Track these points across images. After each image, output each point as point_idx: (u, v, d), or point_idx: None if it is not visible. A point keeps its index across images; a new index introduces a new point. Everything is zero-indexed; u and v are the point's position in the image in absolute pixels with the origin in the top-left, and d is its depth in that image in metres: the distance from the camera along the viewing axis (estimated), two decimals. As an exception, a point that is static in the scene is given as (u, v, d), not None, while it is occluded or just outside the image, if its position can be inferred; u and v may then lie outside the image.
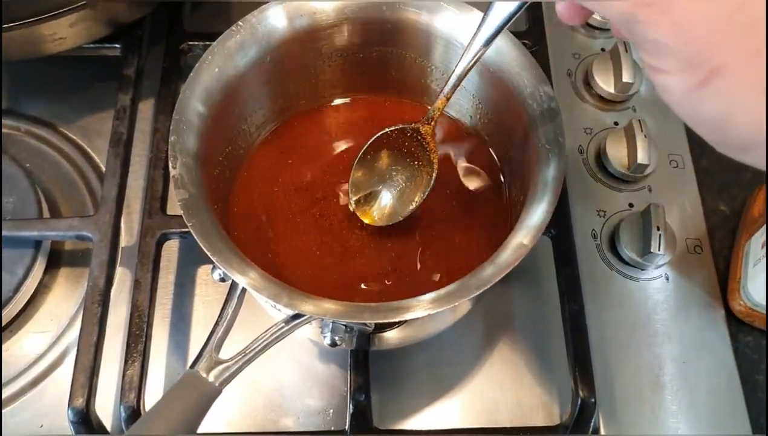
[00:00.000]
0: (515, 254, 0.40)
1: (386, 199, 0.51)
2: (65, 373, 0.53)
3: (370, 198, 0.51)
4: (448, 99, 0.47)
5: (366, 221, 0.50)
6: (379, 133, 0.49)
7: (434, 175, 0.49)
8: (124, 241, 0.58)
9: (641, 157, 0.57)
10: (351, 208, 0.50)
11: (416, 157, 0.50)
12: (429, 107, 0.48)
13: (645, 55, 0.28)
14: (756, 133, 0.26)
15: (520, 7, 0.41)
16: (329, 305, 0.39)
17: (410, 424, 0.52)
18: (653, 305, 0.56)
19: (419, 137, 0.49)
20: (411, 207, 0.50)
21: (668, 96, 0.28)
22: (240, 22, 0.46)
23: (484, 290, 0.39)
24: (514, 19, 0.41)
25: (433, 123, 0.48)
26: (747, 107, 0.26)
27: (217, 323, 0.41)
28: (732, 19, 0.25)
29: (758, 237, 0.55)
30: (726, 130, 0.27)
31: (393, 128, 0.49)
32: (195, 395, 0.38)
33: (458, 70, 0.45)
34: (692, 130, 0.30)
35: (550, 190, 0.41)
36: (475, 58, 0.44)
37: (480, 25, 0.42)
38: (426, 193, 0.49)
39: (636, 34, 0.28)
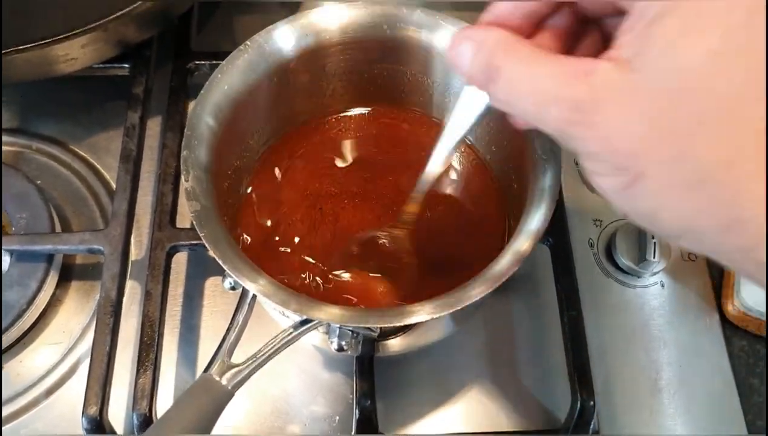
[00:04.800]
0: (516, 258, 0.41)
1: None
2: (77, 384, 0.54)
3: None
4: (418, 202, 0.46)
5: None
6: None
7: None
8: (133, 255, 0.59)
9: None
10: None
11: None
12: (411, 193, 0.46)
13: (581, 160, 0.32)
14: (679, 225, 0.29)
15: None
16: (336, 310, 0.40)
17: (414, 429, 0.53)
18: (650, 311, 0.57)
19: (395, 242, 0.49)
20: None
21: (605, 193, 0.31)
22: (248, 42, 0.48)
23: (488, 293, 0.40)
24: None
25: (406, 227, 0.48)
26: (668, 205, 0.29)
27: (228, 330, 0.42)
28: (652, 129, 0.28)
29: (750, 243, 0.56)
30: (655, 223, 0.31)
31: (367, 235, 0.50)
32: (209, 398, 0.39)
33: (427, 175, 0.44)
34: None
35: (547, 196, 0.42)
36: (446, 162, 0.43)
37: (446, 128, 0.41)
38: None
39: (571, 146, 0.31)
